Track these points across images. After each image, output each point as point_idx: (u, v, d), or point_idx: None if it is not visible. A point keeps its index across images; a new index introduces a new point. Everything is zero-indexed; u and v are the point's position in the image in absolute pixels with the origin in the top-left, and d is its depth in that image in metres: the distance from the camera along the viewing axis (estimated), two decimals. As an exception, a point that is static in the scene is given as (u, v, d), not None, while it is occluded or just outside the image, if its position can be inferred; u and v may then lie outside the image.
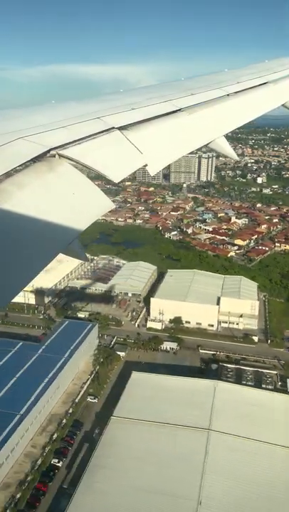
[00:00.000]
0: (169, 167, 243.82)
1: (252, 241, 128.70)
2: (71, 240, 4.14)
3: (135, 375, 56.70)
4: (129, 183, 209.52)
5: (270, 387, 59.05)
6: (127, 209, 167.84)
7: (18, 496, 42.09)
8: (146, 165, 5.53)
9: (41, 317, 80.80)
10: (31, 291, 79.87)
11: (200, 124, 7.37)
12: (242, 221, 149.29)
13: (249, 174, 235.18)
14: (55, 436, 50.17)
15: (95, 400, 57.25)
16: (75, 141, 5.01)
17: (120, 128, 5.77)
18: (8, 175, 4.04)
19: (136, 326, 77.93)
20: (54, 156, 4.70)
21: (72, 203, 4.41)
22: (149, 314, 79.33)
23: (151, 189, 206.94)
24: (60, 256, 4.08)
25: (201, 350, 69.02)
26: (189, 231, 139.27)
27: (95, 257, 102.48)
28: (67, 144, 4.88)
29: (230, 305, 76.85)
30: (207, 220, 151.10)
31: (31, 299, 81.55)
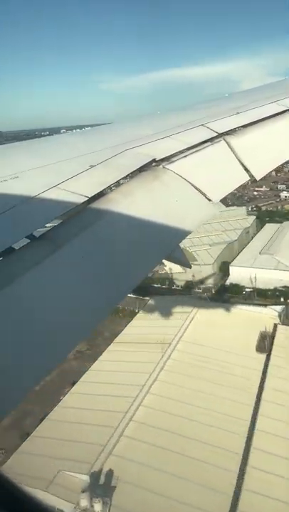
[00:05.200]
0: None
1: None
2: (174, 247, 4.20)
3: None
4: None
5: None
6: None
7: None
8: (249, 180, 5.37)
9: None
10: None
11: None
12: None
13: None
14: None
15: None
16: (179, 151, 5.10)
17: (224, 134, 5.70)
18: (116, 185, 4.30)
19: None
20: (159, 165, 4.83)
21: (175, 210, 4.47)
22: None
23: None
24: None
25: None
26: None
27: None
28: (170, 155, 5.00)
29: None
30: None
31: None
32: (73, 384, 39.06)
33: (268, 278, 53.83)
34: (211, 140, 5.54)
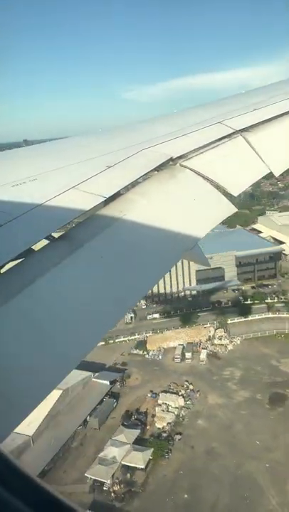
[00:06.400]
0: None
1: None
2: (192, 245, 4.19)
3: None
4: None
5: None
6: None
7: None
8: (269, 173, 5.33)
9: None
10: None
11: None
12: None
13: None
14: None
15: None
16: (196, 149, 5.06)
17: (242, 130, 5.63)
18: (133, 185, 4.30)
19: None
20: (176, 163, 4.82)
21: (194, 209, 4.47)
22: None
23: None
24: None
25: None
26: None
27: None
28: (188, 153, 4.98)
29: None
30: None
31: None
32: None
33: None
34: (228, 137, 5.48)
